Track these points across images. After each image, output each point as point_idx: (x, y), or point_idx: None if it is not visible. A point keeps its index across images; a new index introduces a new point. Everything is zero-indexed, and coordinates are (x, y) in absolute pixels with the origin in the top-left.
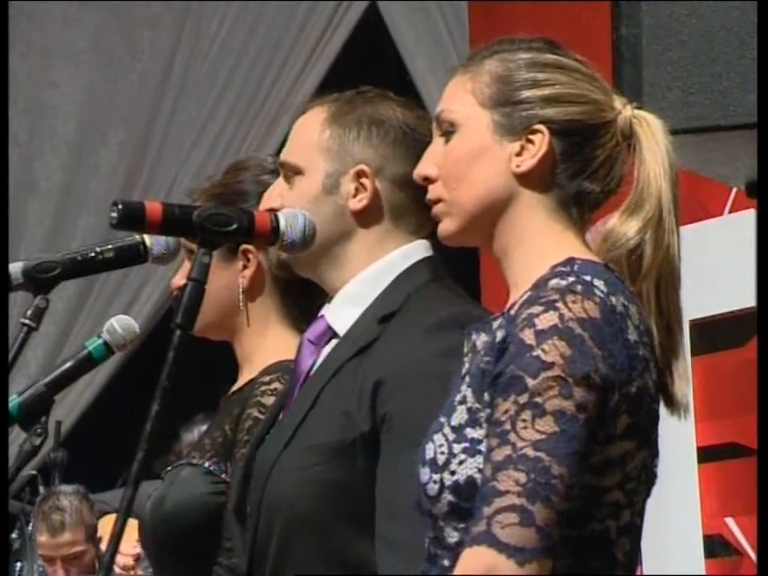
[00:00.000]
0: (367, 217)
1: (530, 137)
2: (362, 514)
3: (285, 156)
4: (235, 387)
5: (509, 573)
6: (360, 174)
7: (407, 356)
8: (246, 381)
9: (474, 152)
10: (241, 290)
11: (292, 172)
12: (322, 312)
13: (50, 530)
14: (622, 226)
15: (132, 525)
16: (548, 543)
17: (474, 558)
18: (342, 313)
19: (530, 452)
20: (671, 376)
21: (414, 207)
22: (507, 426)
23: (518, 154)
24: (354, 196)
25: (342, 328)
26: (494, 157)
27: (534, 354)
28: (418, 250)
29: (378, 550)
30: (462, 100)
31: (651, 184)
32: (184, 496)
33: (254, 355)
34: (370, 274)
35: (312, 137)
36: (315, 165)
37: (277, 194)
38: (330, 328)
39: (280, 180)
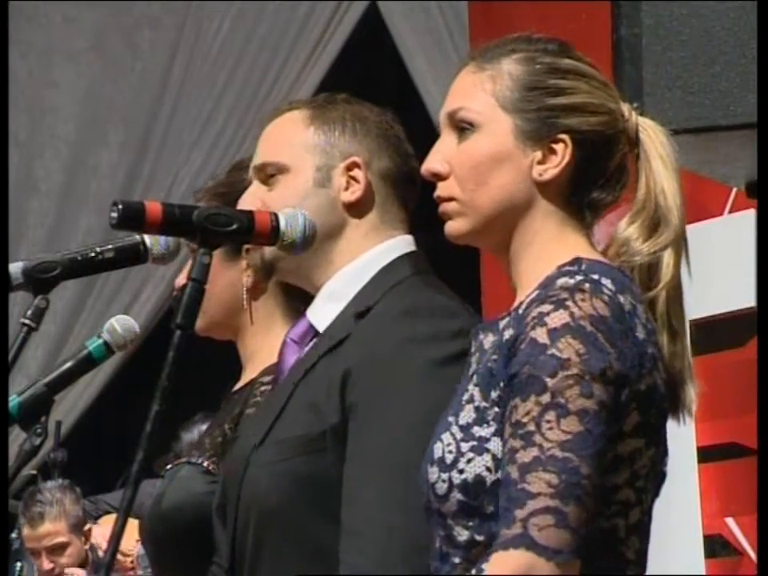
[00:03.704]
0: (359, 209)
1: (553, 145)
2: (333, 507)
3: (266, 157)
4: (237, 387)
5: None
6: (351, 167)
7: (374, 344)
8: (247, 380)
9: (496, 156)
10: (244, 288)
11: (276, 171)
12: (306, 311)
13: (30, 522)
14: (646, 241)
15: (132, 525)
16: (580, 543)
17: (511, 560)
18: (322, 310)
19: (558, 453)
20: (679, 381)
21: (396, 203)
22: (531, 428)
23: (541, 162)
24: (346, 189)
25: (321, 325)
26: (516, 163)
27: (549, 352)
28: (399, 245)
29: (341, 536)
30: (481, 100)
31: (669, 199)
32: (181, 494)
33: (256, 354)
34: (350, 270)
35: (295, 136)
36: (302, 161)
37: (256, 199)
38: (312, 327)
39: (255, 185)
